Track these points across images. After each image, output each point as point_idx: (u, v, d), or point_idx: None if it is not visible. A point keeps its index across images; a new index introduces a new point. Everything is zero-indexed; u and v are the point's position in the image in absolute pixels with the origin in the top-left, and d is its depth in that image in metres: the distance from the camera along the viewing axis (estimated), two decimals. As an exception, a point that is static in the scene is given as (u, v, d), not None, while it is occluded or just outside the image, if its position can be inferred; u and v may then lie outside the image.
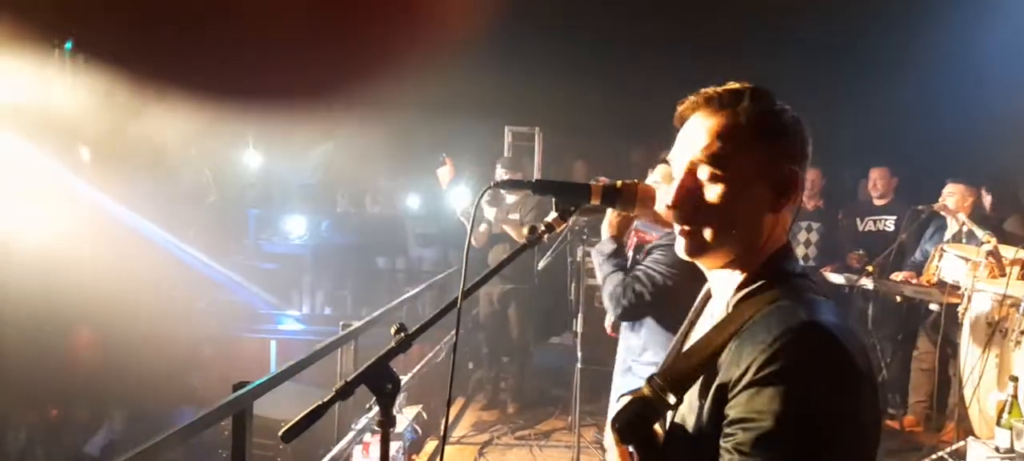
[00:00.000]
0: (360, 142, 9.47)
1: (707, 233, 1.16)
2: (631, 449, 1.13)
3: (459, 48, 7.69)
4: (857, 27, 7.20)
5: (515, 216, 5.67)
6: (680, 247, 1.21)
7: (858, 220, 5.97)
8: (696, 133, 1.17)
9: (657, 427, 1.13)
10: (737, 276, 1.17)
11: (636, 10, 7.97)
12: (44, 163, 7.84)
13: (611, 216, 2.73)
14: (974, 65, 6.24)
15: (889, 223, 5.73)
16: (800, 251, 5.95)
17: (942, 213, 4.92)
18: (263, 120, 9.41)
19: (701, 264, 1.23)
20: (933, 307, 4.85)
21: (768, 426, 0.98)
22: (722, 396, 1.04)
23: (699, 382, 1.09)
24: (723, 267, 1.20)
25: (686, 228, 1.18)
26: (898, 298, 4.80)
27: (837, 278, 5.20)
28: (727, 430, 1.02)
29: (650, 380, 1.12)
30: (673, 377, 1.10)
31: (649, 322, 2.69)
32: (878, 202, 5.87)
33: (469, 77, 8.05)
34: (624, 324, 2.79)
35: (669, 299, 2.57)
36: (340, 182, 9.09)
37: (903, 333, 5.35)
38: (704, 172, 1.15)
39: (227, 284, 8.78)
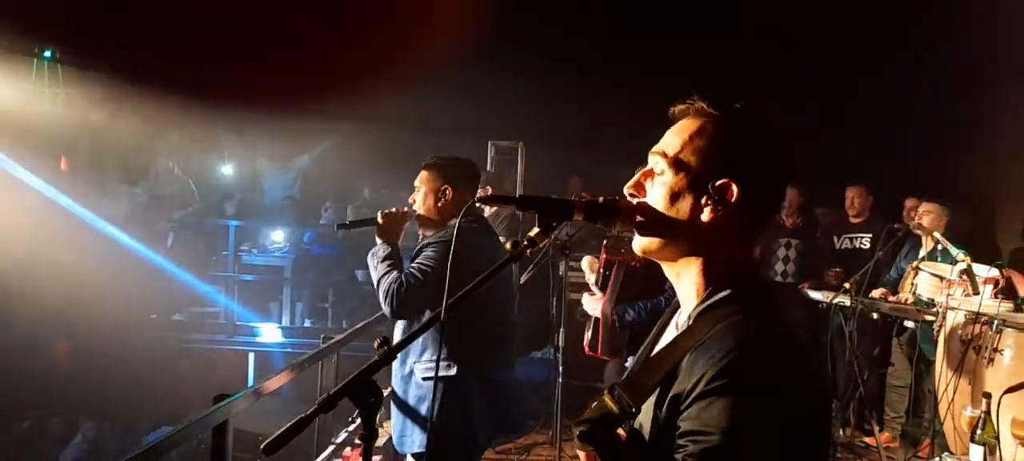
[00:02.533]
0: (344, 155, 9.46)
1: (644, 228, 1.22)
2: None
3: (443, 63, 7.71)
4: (836, 47, 7.31)
5: None
6: (634, 242, 1.26)
7: (835, 238, 6.05)
8: (669, 134, 1.23)
9: (621, 431, 1.16)
10: (699, 288, 1.19)
11: (623, 26, 8.04)
12: (20, 172, 7.75)
13: (383, 221, 2.83)
14: (951, 84, 6.35)
15: (865, 241, 5.82)
16: (779, 267, 6.02)
17: (917, 232, 5.00)
18: (244, 132, 9.38)
19: (663, 267, 1.26)
20: (908, 324, 4.93)
21: (715, 440, 1.00)
22: (676, 407, 1.06)
23: (657, 392, 1.11)
24: (684, 277, 1.22)
25: (637, 219, 1.22)
26: (874, 315, 4.86)
27: (816, 295, 5.26)
28: (679, 442, 1.04)
29: (611, 388, 1.14)
30: (633, 385, 1.13)
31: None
32: (854, 220, 5.95)
33: (453, 91, 8.08)
34: (403, 326, 2.81)
35: (440, 292, 2.58)
36: (325, 194, 9.05)
37: (879, 350, 5.41)
38: (657, 169, 1.22)
39: (205, 296, 8.70)
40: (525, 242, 1.35)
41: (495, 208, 5.62)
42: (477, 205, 3.14)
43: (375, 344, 1.41)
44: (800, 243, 6.04)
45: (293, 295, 8.72)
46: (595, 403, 1.16)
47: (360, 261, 8.79)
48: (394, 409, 2.87)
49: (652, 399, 1.11)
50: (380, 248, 2.83)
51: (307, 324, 8.68)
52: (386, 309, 2.71)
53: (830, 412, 1.16)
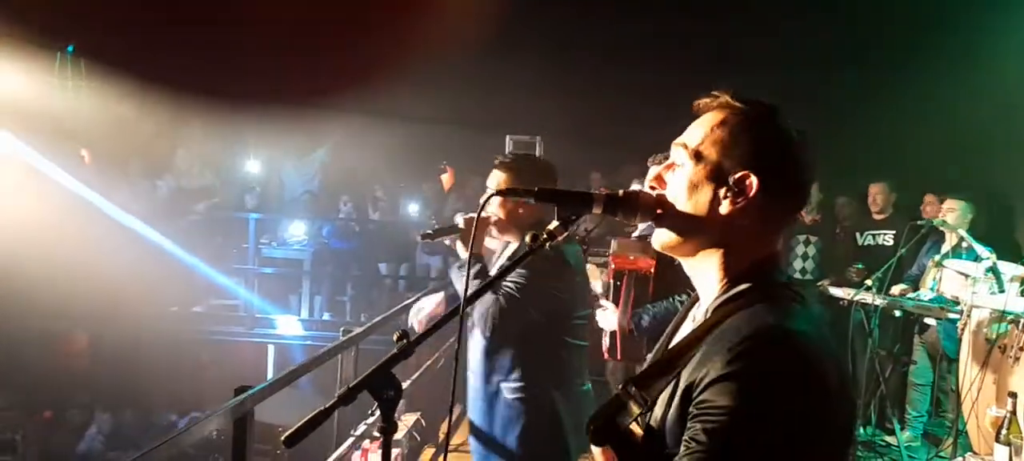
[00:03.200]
0: (361, 149, 9.50)
1: (664, 220, 1.21)
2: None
3: (461, 57, 7.72)
4: (861, 42, 7.23)
5: None
6: (653, 236, 1.25)
7: (857, 234, 5.98)
8: (692, 127, 1.23)
9: (634, 427, 1.15)
10: (718, 282, 1.19)
11: (641, 21, 8.00)
12: (44, 165, 7.86)
13: (462, 232, 2.62)
14: (975, 83, 6.26)
15: (888, 238, 5.74)
16: (798, 264, 5.97)
17: (942, 229, 4.93)
18: (265, 125, 9.45)
19: (680, 260, 1.25)
20: (930, 322, 4.86)
21: (723, 422, 0.99)
22: (689, 397, 1.05)
23: (672, 384, 1.10)
24: (703, 271, 1.21)
25: (657, 212, 1.22)
26: (896, 313, 4.80)
27: (838, 292, 5.21)
28: (688, 424, 1.04)
29: (626, 384, 1.14)
30: (647, 379, 1.13)
31: (514, 341, 2.58)
32: (877, 217, 5.89)
33: (471, 85, 8.08)
34: (488, 345, 2.64)
35: (537, 312, 2.52)
36: (344, 188, 9.10)
37: (901, 348, 5.35)
38: (679, 161, 1.21)
39: (225, 288, 8.78)
40: (545, 235, 1.34)
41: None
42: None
43: (395, 337, 1.41)
44: (820, 240, 5.99)
45: (312, 288, 8.78)
46: (609, 400, 1.15)
47: (381, 255, 8.87)
48: (476, 430, 2.72)
49: (667, 392, 1.11)
50: (465, 261, 2.67)
51: (326, 317, 8.73)
52: (482, 330, 2.56)
53: (851, 409, 1.14)
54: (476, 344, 2.69)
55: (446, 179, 10.14)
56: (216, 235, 8.90)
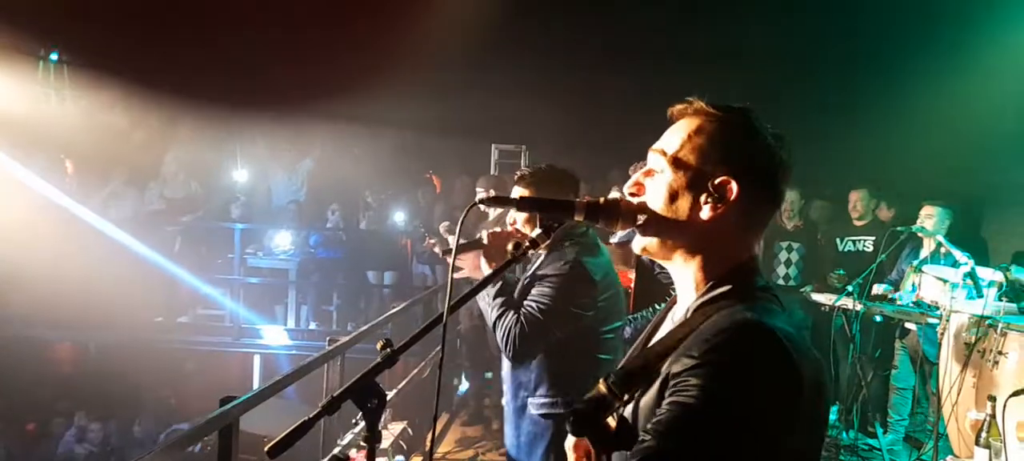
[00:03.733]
0: (348, 158, 9.49)
1: (645, 227, 1.24)
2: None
3: (447, 65, 7.75)
4: (847, 51, 7.32)
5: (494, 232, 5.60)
6: (634, 242, 1.28)
7: (838, 240, 6.05)
8: (669, 133, 1.25)
9: (611, 421, 1.19)
10: (698, 284, 1.21)
11: (625, 30, 8.06)
12: (26, 174, 7.80)
13: (485, 251, 2.53)
14: (959, 91, 6.36)
15: (868, 244, 5.82)
16: (781, 270, 6.03)
17: (919, 234, 5.00)
18: (251, 134, 9.42)
19: (661, 262, 1.28)
20: (910, 326, 4.93)
21: (694, 395, 1.02)
22: (666, 385, 1.08)
23: (650, 380, 1.13)
24: (684, 273, 1.24)
25: (638, 219, 1.24)
26: (877, 318, 4.86)
27: (819, 297, 5.27)
28: (660, 407, 1.07)
29: (606, 378, 1.17)
30: (626, 375, 1.16)
31: (541, 357, 2.53)
32: (857, 223, 5.96)
33: (457, 93, 8.11)
34: (513, 362, 2.60)
35: (562, 331, 2.48)
36: (333, 196, 9.08)
37: (882, 352, 5.41)
38: (657, 167, 1.24)
39: (210, 298, 8.72)
40: (528, 243, 1.37)
41: (498, 212, 5.64)
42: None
43: (378, 346, 1.42)
44: (802, 246, 6.05)
45: (298, 298, 8.74)
46: (592, 395, 1.18)
47: (368, 264, 8.83)
48: (509, 442, 2.69)
49: (647, 387, 1.13)
50: (488, 279, 2.57)
51: (312, 327, 8.70)
52: (505, 352, 2.51)
53: (826, 407, 1.17)
54: (505, 359, 2.64)
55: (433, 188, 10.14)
56: (201, 245, 8.85)
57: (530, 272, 2.64)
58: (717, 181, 1.18)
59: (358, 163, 9.49)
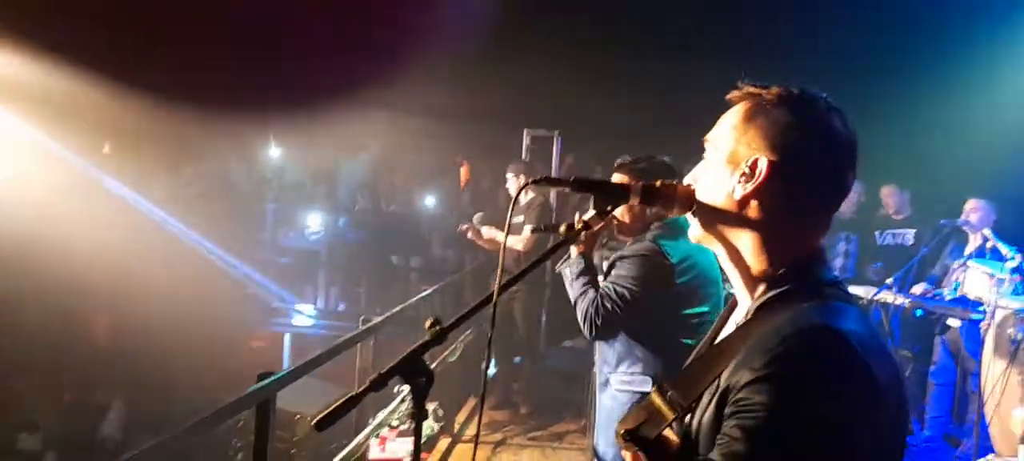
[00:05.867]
0: (379, 144, 9.54)
1: (697, 213, 1.21)
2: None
3: (479, 50, 7.71)
4: (888, 40, 7.13)
5: (518, 219, 5.59)
6: (690, 229, 1.25)
7: (877, 233, 5.95)
8: (719, 120, 1.22)
9: (668, 433, 1.11)
10: (755, 281, 1.15)
11: (662, 15, 7.95)
12: (66, 154, 7.94)
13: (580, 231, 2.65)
14: (1007, 83, 6.19)
15: (909, 237, 5.71)
16: (838, 262, 5.92)
17: (965, 229, 4.89)
18: (283, 118, 9.48)
19: (719, 258, 1.23)
20: (951, 322, 4.83)
21: (759, 419, 0.95)
22: (725, 400, 1.02)
23: (710, 388, 1.06)
24: (736, 267, 1.19)
25: (692, 205, 1.22)
26: (917, 312, 4.77)
27: (857, 290, 5.18)
28: (723, 425, 1.00)
29: (661, 386, 1.10)
30: (683, 382, 1.09)
31: (623, 335, 2.65)
32: (896, 216, 5.85)
33: (489, 79, 8.07)
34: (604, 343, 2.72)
35: (639, 310, 2.56)
36: (362, 181, 9.16)
37: (921, 347, 5.32)
38: (708, 154, 1.21)
39: (242, 277, 8.84)
40: (580, 225, 1.34)
41: (529, 194, 5.61)
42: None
43: (426, 324, 1.41)
44: (859, 237, 5.94)
45: (328, 279, 8.83)
46: (643, 402, 1.12)
47: (394, 247, 8.89)
48: (597, 414, 2.82)
49: (705, 395, 1.07)
50: (574, 261, 2.72)
51: (341, 307, 8.78)
52: (584, 330, 2.64)
53: (903, 414, 1.08)
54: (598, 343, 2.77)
55: (462, 173, 10.16)
56: (235, 225, 8.96)
57: (615, 255, 2.73)
58: (749, 161, 1.13)
59: (387, 147, 9.53)
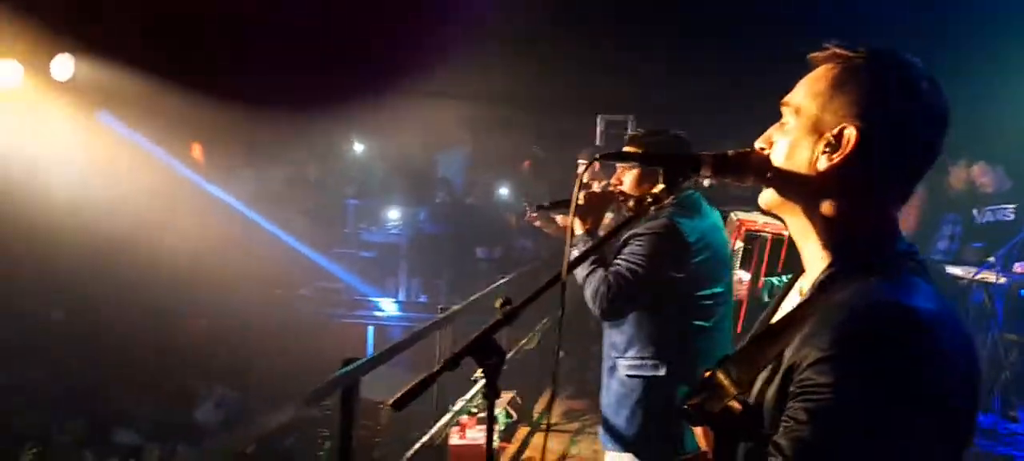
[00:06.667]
0: (459, 132, 9.66)
1: (770, 181, 1.15)
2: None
3: (555, 35, 7.69)
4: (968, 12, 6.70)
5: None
6: (760, 196, 1.20)
7: (975, 212, 5.62)
8: (799, 84, 1.16)
9: (733, 404, 1.07)
10: (825, 251, 1.11)
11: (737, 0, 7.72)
12: (160, 156, 8.37)
13: (579, 210, 2.55)
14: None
15: (1009, 212, 5.37)
16: (943, 245, 5.64)
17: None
18: (363, 114, 9.72)
19: (789, 227, 1.18)
20: (1062, 302, 4.52)
21: (826, 401, 0.92)
22: (790, 377, 0.98)
23: (773, 363, 1.03)
24: (807, 237, 1.14)
25: (767, 173, 1.16)
26: (1022, 292, 4.48)
27: (955, 270, 4.91)
28: (789, 404, 0.96)
29: (722, 361, 1.07)
30: (746, 357, 1.06)
31: (632, 317, 2.53)
32: (993, 192, 5.52)
33: (564, 64, 8.04)
34: (606, 321, 2.61)
35: (651, 289, 2.44)
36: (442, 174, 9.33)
37: (1028, 331, 5.00)
38: (785, 119, 1.15)
39: (328, 271, 9.13)
40: (649, 199, 1.31)
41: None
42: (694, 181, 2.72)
43: (497, 304, 1.42)
44: (962, 217, 5.65)
45: (409, 271, 9.01)
46: (706, 377, 1.09)
47: (475, 239, 9.01)
48: (603, 401, 2.72)
49: (767, 372, 1.04)
50: (580, 240, 2.59)
51: (422, 299, 8.95)
52: (594, 310, 2.51)
53: (977, 396, 1.03)
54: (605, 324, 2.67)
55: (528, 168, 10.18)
56: (319, 220, 9.26)
57: (628, 232, 2.59)
58: (835, 130, 1.07)
59: (467, 137, 9.64)
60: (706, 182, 1.28)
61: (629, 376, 2.55)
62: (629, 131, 7.39)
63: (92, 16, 6.66)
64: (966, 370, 0.97)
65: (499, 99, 9.23)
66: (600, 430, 2.69)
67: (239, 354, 8.38)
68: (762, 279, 2.88)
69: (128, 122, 8.03)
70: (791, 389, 0.97)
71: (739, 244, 2.81)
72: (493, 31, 7.86)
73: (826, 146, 1.08)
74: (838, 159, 1.07)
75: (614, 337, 2.61)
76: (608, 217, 2.77)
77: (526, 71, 8.44)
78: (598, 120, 7.38)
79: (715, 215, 2.66)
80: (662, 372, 2.50)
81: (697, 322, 2.52)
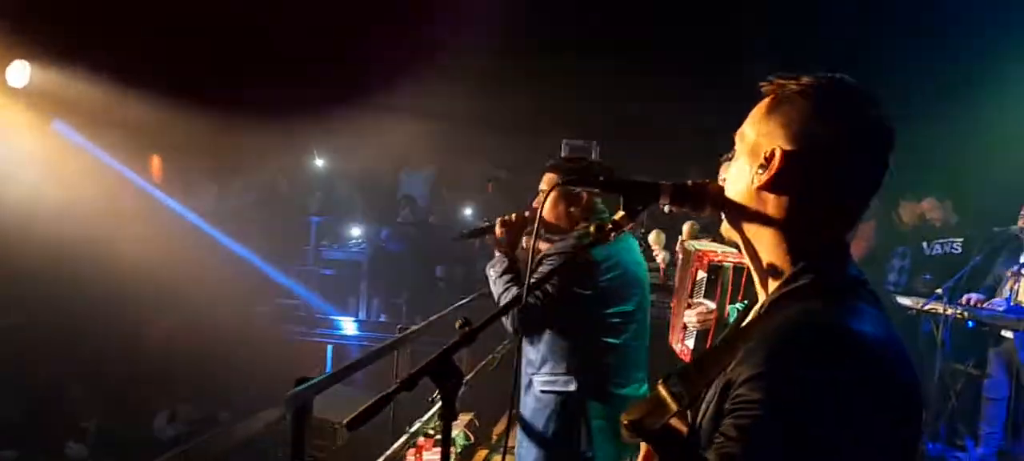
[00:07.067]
0: (416, 153, 9.64)
1: (724, 209, 1.19)
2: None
3: (517, 59, 7.75)
4: (937, 53, 6.93)
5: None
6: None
7: (925, 244, 5.79)
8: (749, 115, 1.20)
9: (676, 423, 1.10)
10: (772, 275, 1.13)
11: (702, 25, 7.89)
12: (116, 168, 8.19)
13: (498, 231, 2.71)
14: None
15: (957, 245, 5.55)
16: (892, 278, 5.80)
17: (1021, 236, 4.72)
18: (325, 130, 9.65)
19: (741, 248, 1.21)
20: (1006, 333, 4.65)
21: (753, 418, 0.93)
22: (726, 395, 1.00)
23: (716, 382, 1.05)
24: (757, 261, 1.16)
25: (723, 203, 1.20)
26: (969, 323, 4.61)
27: (905, 301, 5.04)
28: (722, 421, 0.98)
29: (667, 377, 1.08)
30: (688, 375, 1.06)
31: (546, 335, 2.63)
32: (942, 226, 5.71)
33: (526, 88, 8.10)
34: (524, 339, 2.72)
35: (561, 308, 2.54)
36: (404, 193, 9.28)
37: (974, 360, 5.14)
38: (736, 147, 1.19)
39: (287, 288, 8.99)
40: (610, 226, 1.33)
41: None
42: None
43: (457, 324, 1.43)
44: (912, 250, 5.81)
45: (370, 290, 8.92)
46: (649, 396, 1.09)
47: (437, 258, 8.95)
48: (521, 416, 2.80)
49: (711, 390, 1.06)
50: (498, 261, 2.73)
51: (382, 319, 8.87)
52: (507, 327, 2.63)
53: (918, 425, 1.04)
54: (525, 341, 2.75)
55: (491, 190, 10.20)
56: (278, 236, 9.13)
57: (541, 254, 2.73)
58: (767, 151, 1.11)
59: (427, 157, 9.62)
60: (665, 209, 1.29)
61: (543, 392, 2.65)
62: (594, 156, 7.45)
63: (51, 22, 6.52)
64: (903, 398, 0.98)
65: (465, 120, 9.24)
66: (519, 444, 2.76)
67: (196, 371, 8.18)
68: (727, 308, 2.91)
69: (85, 132, 7.86)
70: (726, 406, 0.98)
71: (702, 275, 2.84)
72: (460, 52, 7.90)
73: (759, 169, 1.11)
74: (766, 179, 1.10)
75: (530, 354, 2.70)
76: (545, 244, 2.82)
77: (492, 93, 8.49)
78: (562, 145, 7.43)
79: (628, 238, 2.80)
80: (573, 388, 2.59)
81: (607, 339, 2.62)
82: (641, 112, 8.24)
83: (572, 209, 2.69)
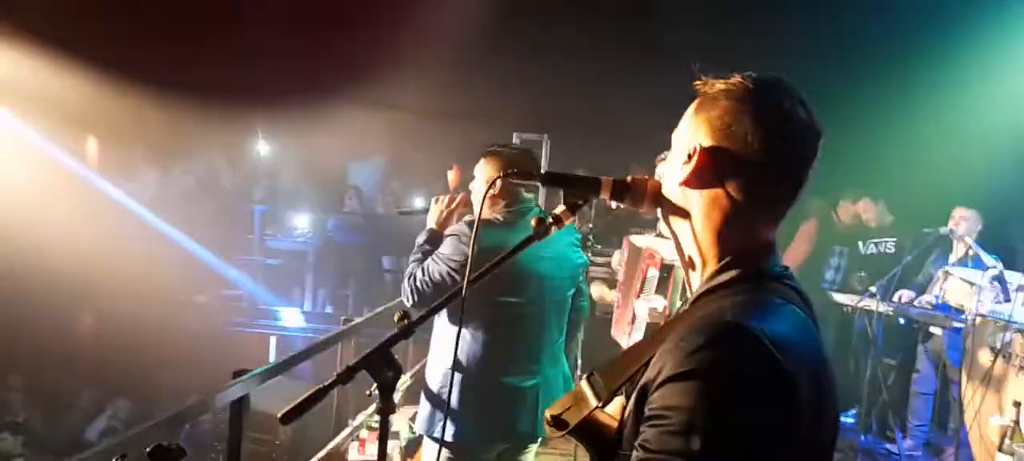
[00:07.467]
0: (369, 141, 9.51)
1: (661, 206, 1.21)
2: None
3: (469, 50, 7.71)
4: (874, 51, 7.15)
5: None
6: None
7: (860, 244, 5.97)
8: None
9: (599, 417, 1.10)
10: (696, 271, 1.15)
11: (651, 23, 7.97)
12: (47, 147, 7.89)
13: (434, 209, 2.85)
14: (986, 94, 6.20)
15: (890, 246, 5.74)
16: (829, 275, 5.95)
17: (951, 237, 4.91)
18: (271, 116, 9.45)
19: (675, 244, 1.22)
20: (934, 330, 4.84)
21: (670, 425, 0.93)
22: (645, 394, 0.99)
23: (636, 376, 1.05)
24: (685, 257, 1.18)
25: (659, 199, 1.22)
26: (900, 320, 4.78)
27: (841, 298, 5.20)
28: (641, 427, 0.98)
29: (590, 373, 1.10)
30: (610, 369, 1.08)
31: (436, 320, 2.69)
32: (876, 226, 5.90)
33: (478, 79, 8.07)
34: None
35: (445, 289, 2.55)
36: (351, 182, 9.14)
37: (903, 356, 5.33)
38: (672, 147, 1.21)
39: (229, 278, 8.79)
40: (550, 220, 1.33)
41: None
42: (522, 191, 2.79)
43: (396, 318, 1.41)
44: (849, 249, 5.97)
45: (315, 281, 8.79)
46: (572, 390, 1.12)
47: (385, 249, 8.86)
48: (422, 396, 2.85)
49: (629, 386, 1.06)
50: (421, 235, 2.85)
51: (328, 310, 8.75)
52: (404, 297, 2.71)
53: (827, 421, 1.05)
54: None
55: (452, 177, 10.14)
56: (222, 225, 8.92)
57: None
58: (690, 148, 1.13)
59: (378, 148, 9.50)
60: (614, 205, 1.30)
61: (432, 376, 2.71)
62: (545, 150, 7.47)
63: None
64: (811, 396, 0.98)
65: (416, 110, 9.17)
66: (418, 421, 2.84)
67: (132, 363, 7.95)
68: (678, 305, 2.94)
69: (16, 112, 7.54)
70: (645, 409, 0.98)
71: (653, 272, 2.88)
72: (413, 43, 7.82)
73: (684, 165, 1.13)
74: (688, 175, 1.12)
75: (431, 340, 2.79)
76: None
77: (445, 84, 8.43)
78: (514, 138, 7.42)
79: (568, 231, 2.80)
80: (458, 376, 2.62)
81: (492, 329, 2.61)
82: (593, 106, 8.28)
83: (491, 194, 2.70)
